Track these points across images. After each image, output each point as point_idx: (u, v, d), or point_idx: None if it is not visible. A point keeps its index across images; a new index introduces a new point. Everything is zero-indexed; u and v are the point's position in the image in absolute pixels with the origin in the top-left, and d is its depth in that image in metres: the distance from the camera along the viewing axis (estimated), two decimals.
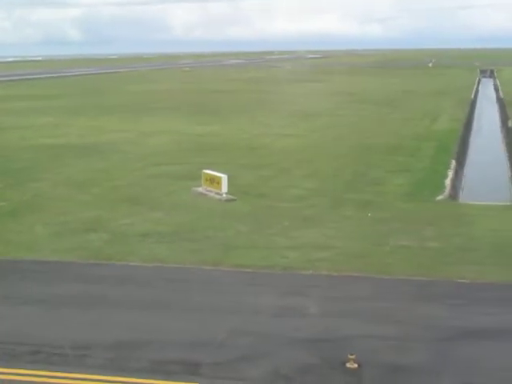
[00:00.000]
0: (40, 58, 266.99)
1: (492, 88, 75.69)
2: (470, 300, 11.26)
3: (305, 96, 60.56)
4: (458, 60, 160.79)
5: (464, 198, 24.26)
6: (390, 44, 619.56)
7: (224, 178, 19.67)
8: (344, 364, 9.09)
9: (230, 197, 19.53)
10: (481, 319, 10.41)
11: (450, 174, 25.64)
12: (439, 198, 20.42)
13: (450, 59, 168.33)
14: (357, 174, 23.85)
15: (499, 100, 60.05)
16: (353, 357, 9.11)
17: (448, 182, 24.11)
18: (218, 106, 51.52)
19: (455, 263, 13.05)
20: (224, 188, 19.53)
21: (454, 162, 28.52)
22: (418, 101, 55.09)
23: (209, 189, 20.21)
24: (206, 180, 20.36)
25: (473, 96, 63.31)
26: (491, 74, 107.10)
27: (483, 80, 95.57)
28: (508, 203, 19.40)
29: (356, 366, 9.07)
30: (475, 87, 75.23)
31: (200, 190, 20.53)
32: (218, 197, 19.63)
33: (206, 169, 21.16)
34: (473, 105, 55.49)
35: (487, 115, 50.95)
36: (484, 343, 9.58)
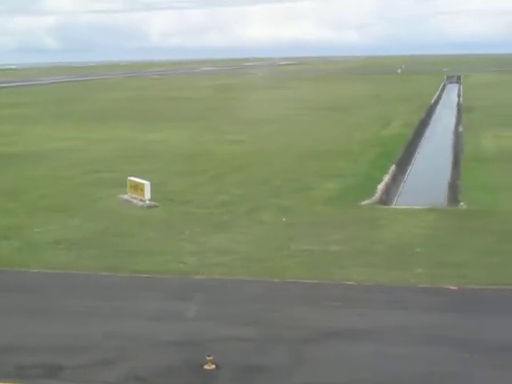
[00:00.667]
0: (14, 67, 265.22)
1: (455, 94, 76.45)
2: (347, 301, 11.45)
3: (267, 103, 60.82)
4: (428, 66, 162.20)
5: (399, 202, 24.60)
6: (367, 51, 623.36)
7: (147, 184, 19.79)
8: (202, 366, 9.26)
9: (152, 203, 19.66)
10: (350, 320, 10.62)
11: (386, 178, 25.95)
12: (365, 202, 20.64)
13: (421, 65, 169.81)
14: (289, 179, 24.04)
15: (458, 105, 60.69)
16: (210, 358, 9.28)
17: (381, 186, 24.38)
18: (176, 114, 51.66)
19: (348, 266, 13.27)
20: (147, 195, 19.65)
21: (393, 167, 28.88)
22: (377, 107, 55.54)
23: (134, 196, 20.32)
24: (131, 187, 20.48)
25: (433, 102, 63.92)
26: (458, 80, 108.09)
27: (449, 86, 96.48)
28: (429, 206, 19.64)
29: (214, 367, 9.25)
30: (438, 93, 75.99)
31: (125, 197, 20.63)
32: (140, 203, 19.75)
33: (138, 176, 21.27)
34: (431, 110, 56.03)
35: (443, 121, 51.45)
36: (343, 343, 9.78)
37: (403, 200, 24.90)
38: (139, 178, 20.86)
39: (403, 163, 31.05)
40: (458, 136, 39.12)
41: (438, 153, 35.99)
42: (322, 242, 15.07)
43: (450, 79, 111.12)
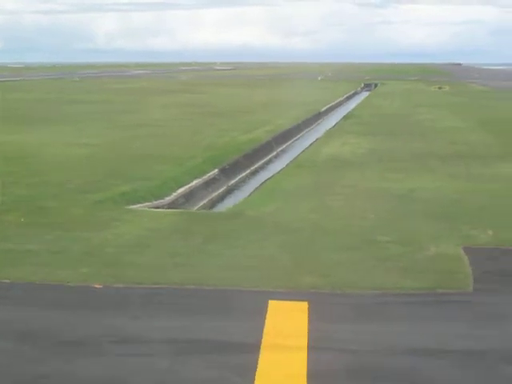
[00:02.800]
0: None
1: (356, 101, 77.88)
2: None
3: (158, 107, 61.13)
4: (356, 74, 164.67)
5: (203, 206, 25.24)
6: (312, 57, 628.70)
7: None
8: None
9: None
10: None
11: (194, 182, 26.54)
12: (137, 206, 21.06)
13: (350, 73, 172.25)
14: (89, 182, 24.37)
15: (346, 113, 61.94)
16: None
17: (181, 190, 24.95)
18: (53, 116, 51.64)
19: (23, 264, 13.62)
20: None
21: (215, 171, 29.50)
22: (265, 112, 56.32)
23: None
24: None
25: (326, 108, 65.01)
26: (373, 88, 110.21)
27: (360, 93, 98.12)
28: (183, 210, 20.44)
29: None
30: (339, 100, 77.37)
31: None
32: None
33: None
34: (314, 117, 56.90)
35: (315, 127, 52.42)
36: None
37: (205, 203, 25.61)
38: None
39: (235, 168, 31.69)
40: (312, 143, 40.15)
41: (279, 159, 36.85)
42: (30, 242, 15.37)
43: (367, 86, 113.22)
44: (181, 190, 24.80)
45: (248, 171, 33.11)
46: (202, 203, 25.57)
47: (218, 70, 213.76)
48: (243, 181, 30.87)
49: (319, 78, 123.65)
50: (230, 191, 28.79)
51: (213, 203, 26.16)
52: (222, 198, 27.44)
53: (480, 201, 20.73)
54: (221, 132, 41.99)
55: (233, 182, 30.29)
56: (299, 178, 26.16)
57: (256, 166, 34.66)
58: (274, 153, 39.64)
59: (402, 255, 14.48)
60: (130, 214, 19.20)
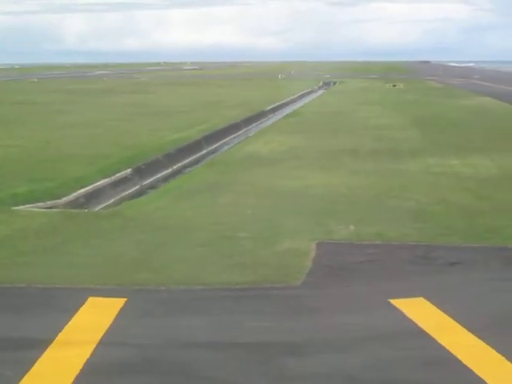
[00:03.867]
0: None
1: (307, 100, 78.09)
2: None
3: (101, 107, 60.96)
4: (318, 72, 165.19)
5: (93, 206, 25.08)
6: (284, 56, 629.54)
7: None
8: None
9: None
10: None
11: (101, 182, 26.51)
12: (25, 206, 20.99)
13: (311, 71, 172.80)
14: None
15: (292, 111, 62.13)
16: None
17: (83, 190, 24.90)
18: None
19: None
20: None
21: (128, 171, 29.48)
22: (205, 111, 56.31)
23: None
24: None
25: (272, 107, 65.13)
26: (332, 86, 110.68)
27: (316, 92, 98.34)
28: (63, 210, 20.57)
29: None
30: (291, 98, 77.54)
31: None
32: None
33: None
34: (256, 116, 56.98)
35: (254, 126, 52.50)
36: None
37: (110, 203, 25.52)
38: None
39: (152, 168, 31.64)
40: (240, 141, 40.33)
41: (203, 158, 36.91)
42: None
43: (325, 85, 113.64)
44: (82, 190, 24.72)
45: (169, 170, 33.10)
46: (106, 203, 25.48)
47: (184, 69, 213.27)
48: (159, 180, 30.81)
49: (280, 77, 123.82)
50: (142, 191, 28.72)
51: (118, 203, 26.06)
52: (131, 197, 27.35)
53: (365, 197, 20.95)
54: (152, 131, 41.97)
55: (147, 181, 30.23)
56: (204, 177, 26.27)
57: (179, 165, 34.63)
58: (204, 151, 39.69)
59: (250, 251, 14.60)
60: (7, 214, 19.13)
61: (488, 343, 9.40)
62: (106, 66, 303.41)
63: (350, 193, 21.50)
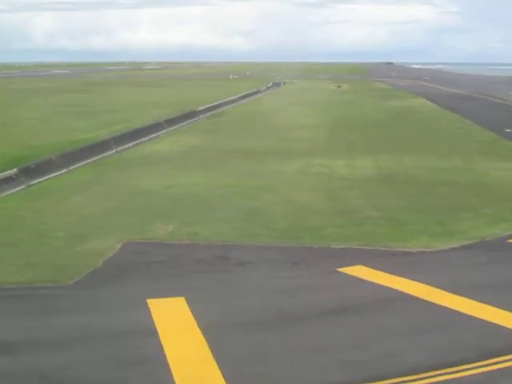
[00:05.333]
0: None
1: (249, 99, 78.07)
2: None
3: (30, 107, 60.59)
4: (276, 73, 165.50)
5: None
6: (252, 57, 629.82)
7: None
8: None
9: None
10: None
11: None
12: None
13: (267, 72, 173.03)
14: None
15: (223, 110, 62.08)
16: None
17: None
18: None
19: None
20: None
21: (14, 171, 29.22)
22: (134, 111, 56.07)
23: None
24: None
25: (204, 107, 64.96)
26: (281, 86, 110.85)
27: (266, 91, 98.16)
28: None
29: None
30: (230, 98, 77.41)
31: None
32: None
33: None
34: (186, 115, 56.76)
35: (180, 125, 52.30)
36: None
37: None
38: None
39: (43, 168, 31.39)
40: (150, 140, 40.30)
41: (106, 157, 36.73)
42: None
43: (275, 85, 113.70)
44: None
45: (64, 170, 32.83)
46: None
47: (145, 69, 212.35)
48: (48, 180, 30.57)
49: (231, 77, 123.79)
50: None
51: None
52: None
53: (218, 196, 21.04)
54: (65, 131, 41.64)
55: (36, 181, 29.96)
56: (77, 177, 26.41)
57: (78, 165, 34.38)
58: (113, 151, 39.46)
59: (54, 251, 14.67)
60: None
61: (208, 343, 9.56)
62: (69, 65, 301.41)
63: (206, 193, 21.57)
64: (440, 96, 73.91)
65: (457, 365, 9.05)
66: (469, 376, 8.76)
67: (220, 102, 71.78)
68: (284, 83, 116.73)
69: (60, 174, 31.78)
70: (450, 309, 11.18)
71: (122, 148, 40.30)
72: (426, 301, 11.57)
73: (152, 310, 11.02)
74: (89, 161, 35.34)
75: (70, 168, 33.48)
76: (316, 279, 12.87)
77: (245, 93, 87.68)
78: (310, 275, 13.09)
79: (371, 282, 12.58)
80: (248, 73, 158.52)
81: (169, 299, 11.57)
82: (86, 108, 59.67)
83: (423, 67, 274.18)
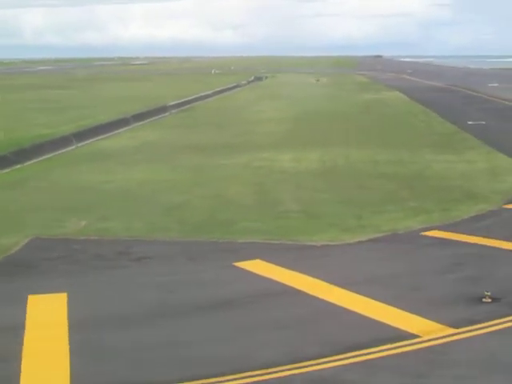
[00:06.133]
0: None
1: (225, 94, 77.89)
2: None
3: (2, 104, 60.20)
4: (261, 66, 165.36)
5: None
6: (244, 51, 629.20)
7: None
8: None
9: None
10: None
11: None
12: None
13: (252, 66, 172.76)
14: None
15: (195, 105, 61.94)
16: None
17: None
18: None
19: None
20: None
21: None
22: (99, 106, 55.87)
23: None
24: None
25: (177, 102, 64.79)
26: (262, 80, 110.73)
27: (245, 86, 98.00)
28: None
29: None
30: (207, 93, 77.23)
31: None
32: None
33: None
34: (156, 110, 56.58)
35: (147, 120, 52.10)
36: None
37: None
38: None
39: None
40: (109, 136, 40.17)
41: (62, 153, 36.63)
42: None
43: (257, 79, 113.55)
44: None
45: (18, 166, 32.69)
46: None
47: (132, 65, 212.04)
48: None
49: (213, 72, 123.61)
50: None
51: None
52: None
53: (147, 191, 20.96)
54: (28, 127, 41.47)
55: None
56: (29, 173, 26.38)
57: (35, 160, 34.25)
58: (73, 146, 39.31)
59: None
60: None
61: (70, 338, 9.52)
62: (57, 60, 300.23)
63: (139, 188, 21.51)
64: (416, 89, 73.89)
65: (309, 359, 8.98)
66: (314, 371, 8.69)
67: (195, 96, 71.68)
68: (266, 77, 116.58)
69: (11, 171, 31.72)
70: (328, 302, 11.11)
71: (83, 144, 40.17)
72: (308, 295, 11.50)
73: (29, 306, 10.93)
74: (46, 157, 35.23)
75: (25, 164, 33.39)
76: (209, 274, 12.79)
77: (223, 87, 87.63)
78: (204, 270, 13.01)
79: (263, 277, 12.50)
80: (233, 67, 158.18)
81: (50, 295, 11.49)
82: (60, 104, 59.42)
83: (413, 60, 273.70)
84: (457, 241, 15.10)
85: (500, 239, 15.18)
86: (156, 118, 54.45)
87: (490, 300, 11.34)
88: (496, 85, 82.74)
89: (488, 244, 14.79)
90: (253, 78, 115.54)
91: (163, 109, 58.79)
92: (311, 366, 8.86)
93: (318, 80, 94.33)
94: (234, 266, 13.09)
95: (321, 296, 11.40)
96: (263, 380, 8.41)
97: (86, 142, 40.63)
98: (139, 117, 51.92)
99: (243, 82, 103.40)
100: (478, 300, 11.26)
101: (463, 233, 15.76)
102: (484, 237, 15.40)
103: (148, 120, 52.34)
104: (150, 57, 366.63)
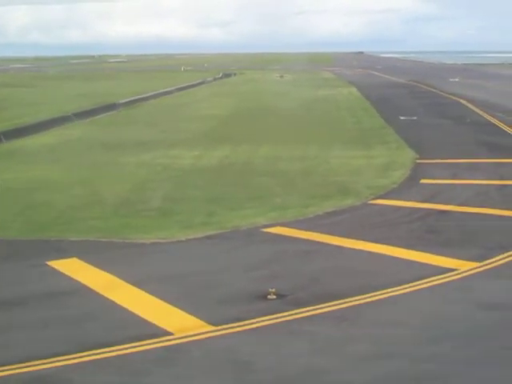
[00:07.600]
0: None
1: (186, 90, 77.70)
2: None
3: None
4: (236, 64, 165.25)
5: None
6: (230, 48, 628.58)
7: None
8: None
9: None
10: None
11: None
12: None
13: (225, 64, 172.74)
14: None
15: (147, 102, 61.78)
16: None
17: None
18: None
19: None
20: None
21: None
22: (47, 104, 55.60)
23: None
24: None
25: (130, 99, 64.58)
26: (230, 77, 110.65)
27: (211, 82, 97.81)
28: None
29: None
30: (166, 90, 77.04)
31: None
32: None
33: None
34: (102, 108, 56.32)
35: (92, 118, 51.90)
36: None
37: None
38: None
39: None
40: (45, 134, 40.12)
41: None
42: None
43: (224, 76, 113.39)
44: None
45: None
46: None
47: (109, 62, 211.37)
48: None
49: (182, 69, 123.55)
50: None
51: None
52: None
53: (19, 191, 20.76)
54: None
55: None
56: None
57: None
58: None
59: None
60: None
61: None
62: (37, 59, 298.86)
63: (21, 187, 21.48)
64: (373, 85, 74.05)
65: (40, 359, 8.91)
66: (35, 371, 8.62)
67: (154, 93, 71.62)
68: (235, 74, 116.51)
69: None
70: (109, 301, 11.06)
71: (9, 142, 39.94)
72: (97, 294, 11.46)
73: None
74: None
75: None
76: (10, 273, 12.70)
77: (186, 84, 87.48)
78: (10, 269, 12.92)
79: (64, 275, 12.47)
80: (206, 65, 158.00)
81: None
82: (5, 103, 59.08)
83: (393, 56, 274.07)
84: (293, 237, 15.07)
85: (340, 236, 15.14)
86: (101, 115, 54.08)
87: (274, 297, 11.30)
88: (457, 80, 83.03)
89: (321, 240, 14.77)
90: (221, 75, 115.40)
91: (112, 106, 58.49)
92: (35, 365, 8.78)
93: (281, 76, 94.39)
94: (45, 265, 13.00)
95: (106, 295, 11.33)
96: None
97: (17, 140, 40.44)
98: (82, 115, 51.62)
99: (209, 79, 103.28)
100: (263, 297, 11.22)
101: (306, 229, 15.71)
102: (324, 233, 15.37)
103: (90, 118, 52.07)
104: (131, 54, 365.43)
